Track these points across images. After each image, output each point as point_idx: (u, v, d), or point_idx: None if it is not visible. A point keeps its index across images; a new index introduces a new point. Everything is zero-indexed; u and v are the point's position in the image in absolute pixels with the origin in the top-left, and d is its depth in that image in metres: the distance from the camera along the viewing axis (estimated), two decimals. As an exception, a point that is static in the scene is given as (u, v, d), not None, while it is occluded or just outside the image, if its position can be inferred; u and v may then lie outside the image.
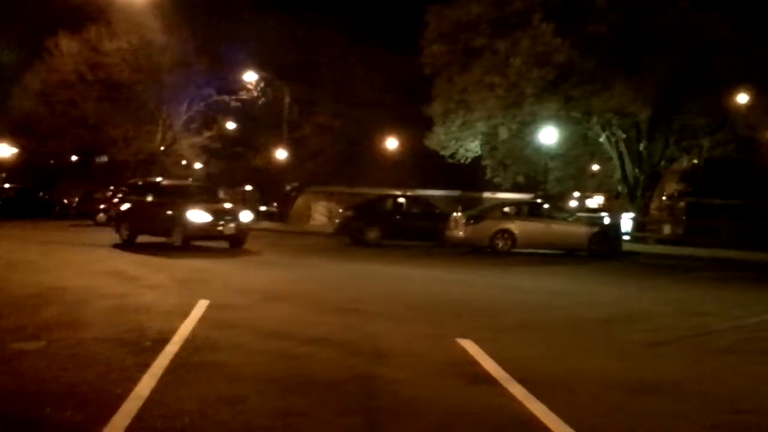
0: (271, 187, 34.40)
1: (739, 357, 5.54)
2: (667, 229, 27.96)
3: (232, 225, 13.98)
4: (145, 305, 6.79)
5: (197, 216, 13.47)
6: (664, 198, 30.52)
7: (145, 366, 4.34)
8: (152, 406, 3.56)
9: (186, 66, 30.59)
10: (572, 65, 21.84)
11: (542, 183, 26.29)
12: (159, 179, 17.40)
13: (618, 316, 7.38)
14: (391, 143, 33.16)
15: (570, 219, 17.58)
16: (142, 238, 14.91)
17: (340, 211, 21.70)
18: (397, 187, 24.73)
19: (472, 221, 16.35)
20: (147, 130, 32.42)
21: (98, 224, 23.26)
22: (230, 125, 33.79)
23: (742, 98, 22.18)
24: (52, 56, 30.32)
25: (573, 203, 34.56)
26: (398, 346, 5.28)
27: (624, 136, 24.07)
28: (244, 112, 32.65)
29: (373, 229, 17.86)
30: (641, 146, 24.10)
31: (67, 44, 30.12)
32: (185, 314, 6.21)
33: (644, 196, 24.52)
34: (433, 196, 26.07)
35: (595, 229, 16.85)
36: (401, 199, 19.83)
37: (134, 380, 4.00)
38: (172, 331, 5.41)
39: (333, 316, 6.62)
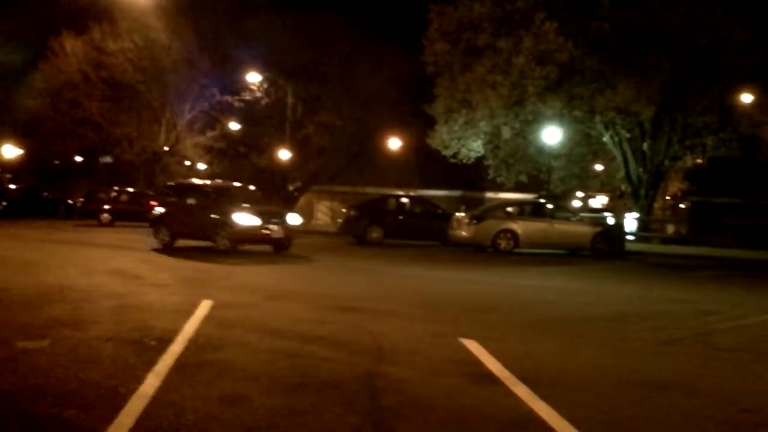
0: (275, 187, 34.42)
1: (744, 356, 5.52)
2: (671, 229, 27.92)
3: (279, 228, 13.16)
4: (148, 304, 6.80)
5: (244, 219, 12.71)
6: (668, 197, 30.45)
7: (149, 365, 4.33)
8: (157, 405, 3.56)
9: (190, 66, 30.66)
10: (575, 64, 21.81)
11: (545, 182, 26.25)
12: (198, 180, 16.54)
13: (622, 315, 7.36)
14: (395, 143, 33.13)
15: (573, 219, 17.54)
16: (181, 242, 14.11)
17: (344, 210, 21.74)
18: (400, 187, 24.75)
19: (474, 221, 16.34)
20: (151, 129, 32.50)
21: (102, 224, 23.31)
22: (234, 125, 33.83)
23: (747, 97, 22.13)
24: (56, 57, 30.46)
25: (576, 203, 34.50)
26: (402, 345, 5.27)
27: (628, 135, 24.01)
28: (248, 112, 32.68)
29: (376, 229, 17.91)
30: (645, 145, 24.01)
31: (71, 44, 30.26)
32: (189, 313, 6.21)
33: (648, 196, 24.43)
34: (436, 195, 26.07)
35: (599, 229, 16.80)
36: (404, 199, 19.88)
37: (139, 379, 4.00)
38: (177, 330, 5.41)
39: (337, 315, 6.61)
